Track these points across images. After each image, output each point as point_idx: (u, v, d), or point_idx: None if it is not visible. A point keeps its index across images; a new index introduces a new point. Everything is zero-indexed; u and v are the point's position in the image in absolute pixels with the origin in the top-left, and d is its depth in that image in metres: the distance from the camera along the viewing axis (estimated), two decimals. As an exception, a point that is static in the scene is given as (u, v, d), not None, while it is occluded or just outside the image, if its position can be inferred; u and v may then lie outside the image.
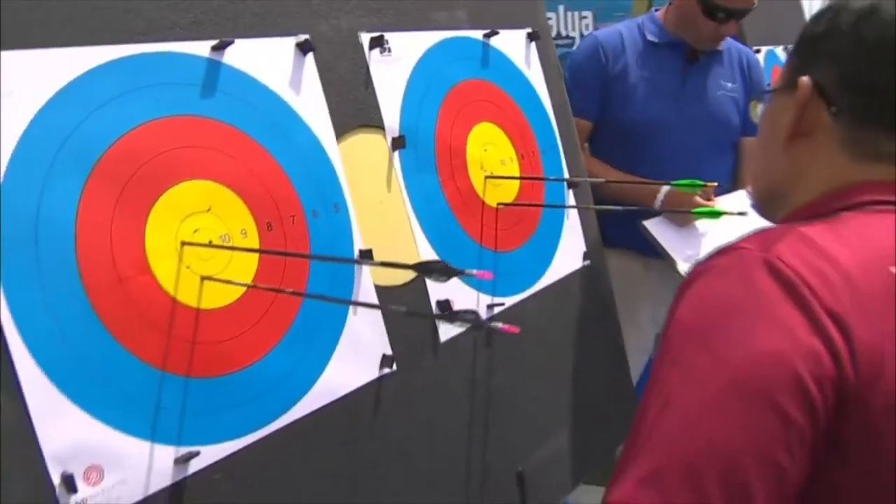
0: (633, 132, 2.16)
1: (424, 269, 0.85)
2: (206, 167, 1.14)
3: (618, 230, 1.98)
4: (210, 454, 1.09)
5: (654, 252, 2.07)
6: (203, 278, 1.11)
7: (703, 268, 0.81)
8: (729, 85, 2.19)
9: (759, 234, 0.83)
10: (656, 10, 2.25)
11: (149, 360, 1.05)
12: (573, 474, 1.73)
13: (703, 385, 0.73)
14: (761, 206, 1.00)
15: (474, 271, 0.81)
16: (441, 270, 0.83)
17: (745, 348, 0.73)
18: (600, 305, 1.88)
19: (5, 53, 0.96)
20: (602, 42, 2.20)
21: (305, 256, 1.22)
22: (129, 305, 1.03)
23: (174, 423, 1.06)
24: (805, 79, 0.88)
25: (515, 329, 0.80)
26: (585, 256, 1.83)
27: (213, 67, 1.17)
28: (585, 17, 4.36)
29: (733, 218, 1.99)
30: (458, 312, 0.84)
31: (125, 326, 1.03)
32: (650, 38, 2.19)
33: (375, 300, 1.34)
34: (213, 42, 1.17)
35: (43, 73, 0.99)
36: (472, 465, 1.50)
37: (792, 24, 4.08)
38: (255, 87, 1.22)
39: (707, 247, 2.03)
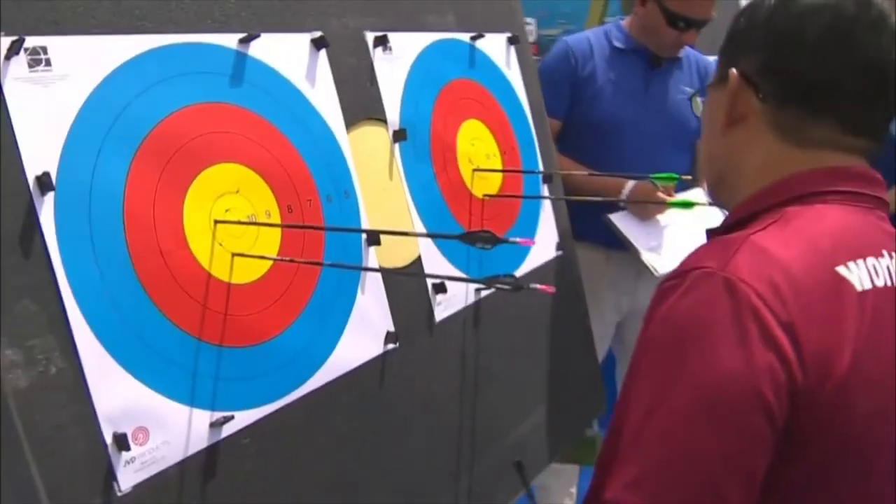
0: (600, 130, 2.27)
1: (470, 238, 0.92)
2: (235, 151, 1.19)
3: (583, 224, 2.07)
4: (241, 419, 1.14)
5: (616, 244, 2.18)
6: (234, 255, 1.16)
7: (669, 285, 0.87)
8: (688, 89, 2.32)
9: (718, 247, 0.89)
10: (621, 20, 2.37)
11: (187, 329, 1.09)
12: (549, 450, 1.81)
13: (676, 400, 0.81)
14: (714, 195, 1.07)
15: (518, 239, 0.88)
16: (487, 239, 0.89)
17: (710, 367, 0.80)
18: (571, 292, 1.98)
19: (60, 39, 1.00)
20: (572, 47, 2.31)
21: (332, 229, 1.28)
22: (170, 277, 1.08)
23: (209, 388, 1.11)
24: (733, 70, 0.97)
25: (551, 289, 0.88)
26: (558, 246, 1.92)
27: (241, 59, 1.22)
28: (529, 24, 4.47)
29: (690, 211, 2.13)
30: (498, 277, 0.90)
31: (166, 296, 1.07)
32: (616, 44, 2.31)
33: (381, 282, 1.41)
34: (241, 35, 1.22)
35: (94, 57, 1.04)
36: (464, 435, 1.57)
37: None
38: (277, 78, 1.27)
39: (668, 237, 2.14)
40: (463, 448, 1.57)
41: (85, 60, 1.02)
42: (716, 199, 1.07)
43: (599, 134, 2.27)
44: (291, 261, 1.21)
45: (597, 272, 2.29)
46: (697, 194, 2.18)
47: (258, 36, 1.23)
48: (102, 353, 1.00)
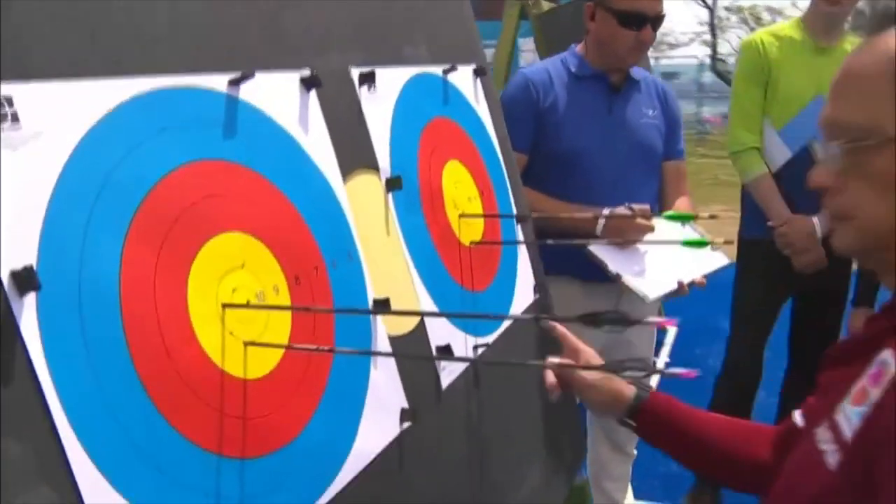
0: (567, 160, 2.12)
1: (593, 321, 0.71)
2: (237, 218, 0.94)
3: (555, 258, 1.90)
4: (273, 545, 0.89)
5: (591, 276, 2.02)
6: (247, 344, 0.91)
7: None
8: (650, 112, 2.20)
9: None
10: (576, 46, 2.22)
11: (205, 445, 0.84)
12: (548, 507, 1.62)
13: None
14: (864, 254, 0.89)
15: (656, 319, 0.69)
16: (616, 321, 0.70)
17: None
18: (549, 337, 1.80)
19: (29, 87, 0.73)
20: (531, 78, 2.15)
21: (362, 312, 1.07)
22: (180, 381, 0.82)
23: (236, 515, 0.85)
24: None
25: (693, 373, 0.69)
26: (535, 290, 1.74)
27: (232, 104, 0.97)
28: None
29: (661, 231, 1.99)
30: (626, 362, 0.71)
31: (178, 407, 0.81)
32: (574, 70, 2.16)
33: (388, 349, 1.18)
34: (232, 75, 0.97)
35: (71, 109, 0.77)
36: (477, 512, 1.36)
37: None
38: (271, 126, 1.03)
39: (649, 262, 1.99)
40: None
41: (60, 113, 0.76)
42: (863, 258, 0.90)
43: (566, 164, 2.11)
44: (318, 349, 0.97)
45: (574, 306, 2.11)
46: (688, 232, 2.02)
47: (252, 76, 0.99)
48: (103, 484, 0.73)
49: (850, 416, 0.79)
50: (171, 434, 0.80)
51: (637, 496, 2.76)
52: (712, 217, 1.31)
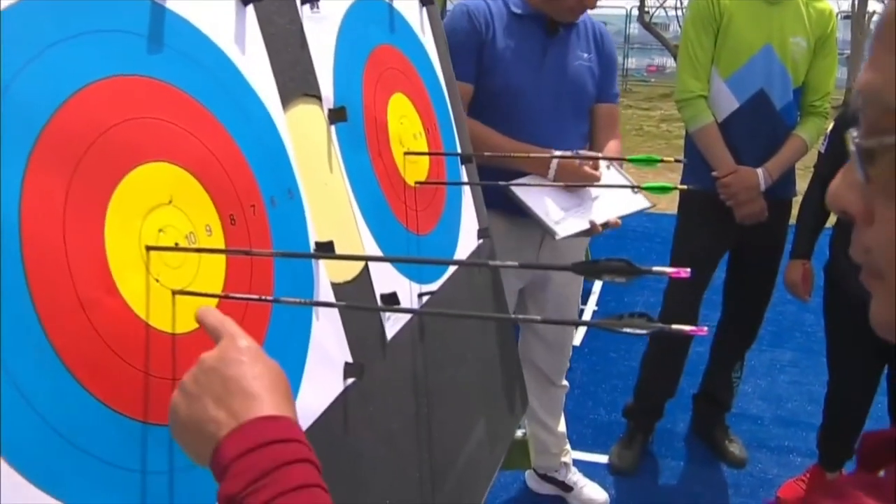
0: (502, 99, 2.07)
1: (594, 271, 0.62)
2: (163, 146, 0.81)
3: (484, 193, 1.84)
4: (208, 521, 0.78)
5: (519, 212, 1.98)
6: (175, 292, 0.79)
7: None
8: (585, 56, 2.14)
9: None
10: None
11: (128, 411, 0.72)
12: (492, 464, 1.56)
13: None
14: (874, 283, 0.53)
15: (668, 269, 0.60)
16: (619, 270, 0.60)
17: None
18: (492, 283, 1.72)
19: None
20: (472, 9, 2.06)
21: (322, 256, 0.93)
22: (99, 340, 0.70)
23: (164, 488, 0.75)
24: None
25: (703, 330, 0.61)
26: (479, 234, 1.65)
27: (158, 13, 0.83)
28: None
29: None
30: (627, 316, 0.62)
31: (95, 368, 0.69)
32: (514, 9, 2.07)
33: (332, 298, 1.07)
34: (156, -20, 0.83)
35: (-44, 6, 0.63)
36: (423, 466, 1.28)
37: None
38: (203, 42, 0.90)
39: (571, 202, 1.97)
40: (424, 482, 1.28)
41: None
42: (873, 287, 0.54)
43: (500, 102, 2.07)
44: (260, 299, 0.85)
45: (500, 240, 2.08)
46: (612, 173, 2.01)
47: (180, -18, 0.85)
48: (17, 479, 0.61)
49: None
50: (87, 400, 0.68)
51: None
52: (678, 161, 1.25)
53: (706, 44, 2.54)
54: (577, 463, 2.79)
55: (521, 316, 1.15)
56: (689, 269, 0.60)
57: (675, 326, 0.62)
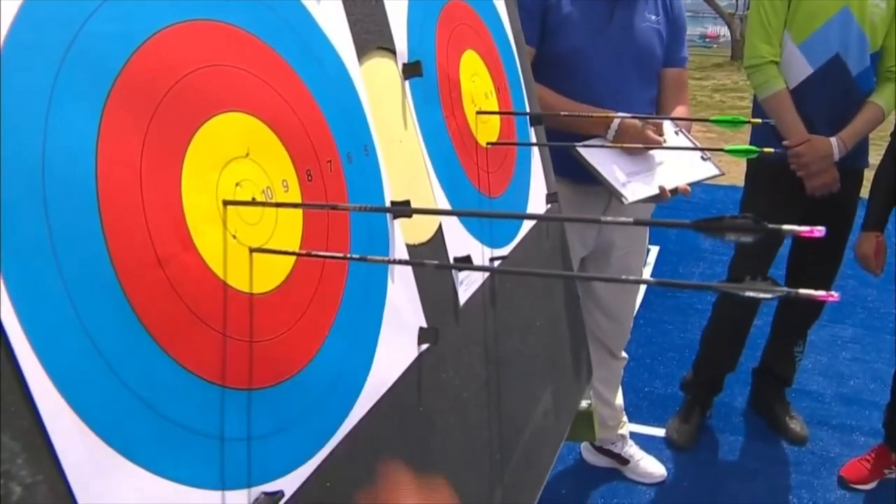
0: (566, 61, 1.99)
1: (718, 228, 0.55)
2: (241, 95, 0.75)
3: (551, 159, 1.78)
4: (288, 488, 0.74)
5: (582, 178, 1.91)
6: (253, 250, 0.74)
7: None
8: (653, 17, 2.05)
9: None
10: None
11: (206, 375, 0.67)
12: (558, 435, 1.51)
13: None
14: None
15: (800, 228, 0.53)
16: (745, 228, 0.53)
17: None
18: (561, 249, 1.65)
19: None
20: None
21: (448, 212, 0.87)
22: (177, 299, 0.65)
23: (243, 456, 0.70)
24: None
25: (835, 296, 0.54)
26: (548, 199, 1.58)
27: (232, -45, 0.78)
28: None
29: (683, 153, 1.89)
30: (750, 283, 0.55)
31: (173, 329, 0.65)
32: None
33: (407, 258, 1.02)
34: (232, -82, 0.77)
35: (29, -64, 0.57)
36: (493, 436, 1.23)
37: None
38: (279, -13, 0.84)
39: (639, 167, 1.89)
40: (493, 451, 1.23)
41: (14, -60, 0.56)
42: None
43: (566, 64, 1.99)
44: (345, 257, 0.80)
45: (564, 207, 2.02)
46: (669, 129, 1.92)
47: (257, -79, 0.79)
48: (91, 438, 0.57)
49: None
50: (165, 361, 0.64)
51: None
52: (765, 122, 1.16)
53: (779, 7, 2.41)
54: (633, 436, 2.72)
55: (618, 277, 1.08)
56: (822, 228, 0.53)
57: (802, 291, 0.54)
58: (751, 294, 0.53)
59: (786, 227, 0.53)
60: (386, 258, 0.93)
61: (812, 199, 2.48)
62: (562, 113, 1.54)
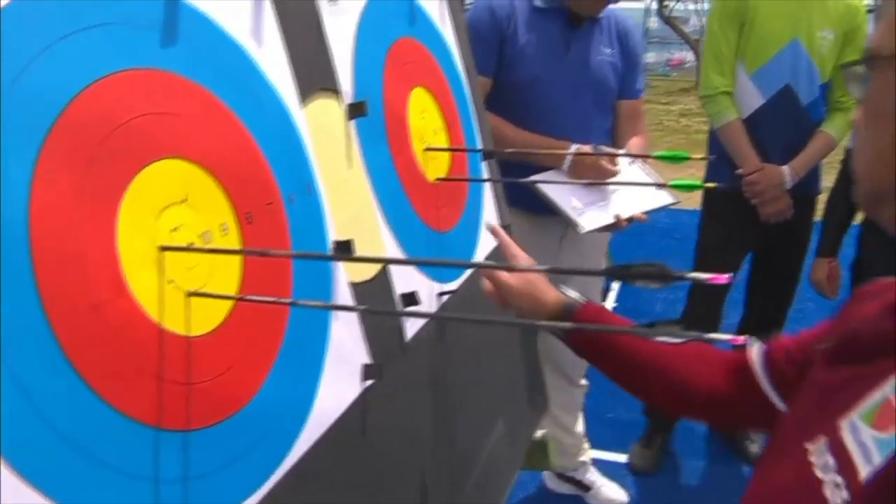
0: (523, 91, 2.05)
1: (629, 275, 0.58)
2: (178, 141, 0.78)
3: (505, 191, 1.81)
4: (223, 530, 0.76)
5: (538, 209, 1.95)
6: (190, 294, 0.77)
7: None
8: (608, 51, 2.11)
9: None
10: None
11: (141, 417, 0.69)
12: (513, 464, 1.53)
13: None
14: (873, 208, 0.71)
15: (704, 276, 0.56)
16: (654, 275, 0.56)
17: None
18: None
19: None
20: (494, 4, 2.05)
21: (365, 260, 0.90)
22: (110, 342, 0.67)
23: (178, 497, 0.72)
24: None
25: (740, 339, 0.58)
26: (501, 231, 1.61)
27: (172, 4, 0.80)
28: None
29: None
30: (660, 326, 0.59)
31: (106, 372, 0.67)
32: (536, 3, 2.05)
33: (352, 300, 1.04)
34: (171, -30, 0.80)
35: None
36: (443, 467, 1.25)
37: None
38: (219, 34, 0.87)
39: (594, 195, 1.93)
40: (445, 481, 1.25)
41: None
42: (877, 215, 0.71)
43: (522, 95, 2.05)
44: (278, 302, 0.83)
45: (520, 239, 2.05)
46: (635, 170, 1.97)
47: (196, -28, 0.82)
48: (24, 486, 0.59)
49: (867, 443, 0.61)
50: (98, 405, 0.65)
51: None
52: (704, 159, 1.21)
53: (731, 39, 2.49)
54: (596, 462, 2.75)
55: (542, 322, 1.12)
56: (727, 275, 0.56)
57: (712, 336, 0.58)
58: (661, 339, 0.57)
59: (690, 274, 0.57)
60: (321, 303, 0.95)
61: (767, 225, 2.55)
62: (506, 150, 1.58)
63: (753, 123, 2.51)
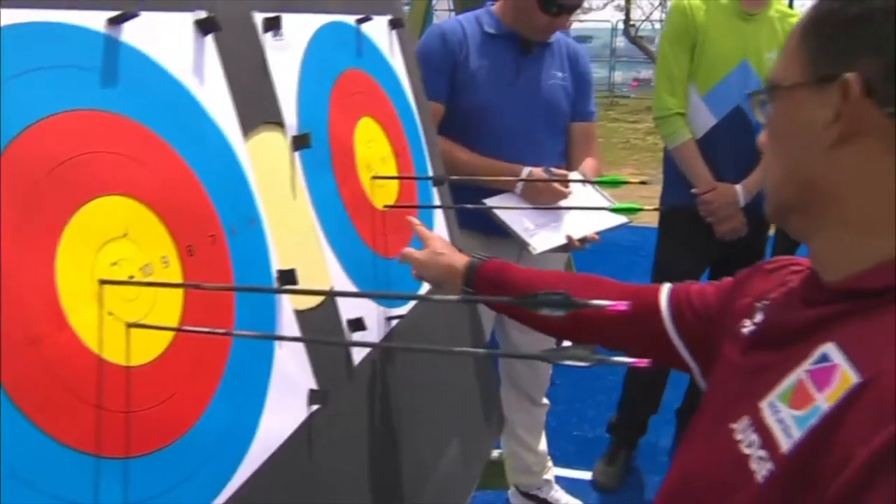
0: (476, 116, 2.10)
1: (534, 303, 0.63)
2: (118, 178, 0.82)
3: (458, 212, 1.86)
4: (163, 554, 0.79)
5: (494, 230, 1.98)
6: (130, 325, 0.80)
7: None
8: (559, 74, 2.17)
9: None
10: (492, 4, 2.16)
11: (80, 446, 0.73)
12: (467, 483, 1.57)
13: None
14: (782, 219, 0.81)
15: (605, 303, 0.61)
16: (557, 303, 0.61)
17: None
18: (466, 305, 1.73)
19: None
20: (446, 31, 2.11)
21: (287, 291, 0.95)
22: (48, 373, 0.71)
23: (117, 523, 0.75)
24: (851, 75, 0.69)
25: (646, 362, 0.62)
26: (453, 255, 1.66)
27: (112, 46, 0.85)
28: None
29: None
30: (568, 350, 0.63)
31: (45, 403, 0.70)
32: (488, 29, 2.11)
33: (297, 328, 1.08)
34: (111, 13, 0.84)
35: None
36: (395, 488, 1.29)
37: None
38: (160, 73, 0.91)
39: (547, 217, 1.97)
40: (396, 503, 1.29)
41: None
42: (781, 222, 0.81)
43: (475, 120, 2.10)
44: (212, 332, 0.86)
45: None
46: (588, 192, 2.02)
47: (136, 15, 0.86)
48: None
49: (786, 420, 0.69)
50: (38, 437, 0.69)
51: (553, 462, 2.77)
52: (643, 182, 1.26)
53: (682, 60, 2.57)
54: (561, 480, 2.79)
55: (459, 349, 1.17)
56: (627, 303, 0.61)
57: (615, 359, 0.63)
58: (569, 363, 0.61)
59: (594, 301, 0.62)
60: (260, 333, 0.99)
61: (723, 242, 2.62)
62: (453, 177, 1.63)
63: (707, 143, 2.58)
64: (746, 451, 0.73)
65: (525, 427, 2.53)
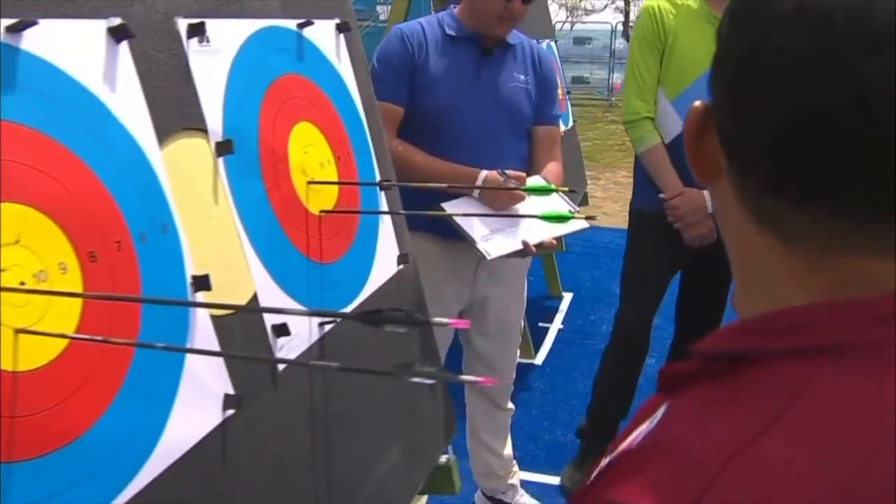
0: (435, 119, 2.12)
1: (375, 321, 0.64)
2: (13, 187, 0.83)
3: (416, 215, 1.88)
4: (45, 558, 0.81)
5: (453, 234, 2.00)
6: (18, 331, 0.82)
7: None
8: (521, 77, 2.19)
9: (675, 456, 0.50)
10: (454, 7, 2.18)
11: (-44, 450, 0.74)
12: (408, 489, 1.58)
13: None
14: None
15: (447, 321, 0.63)
16: (401, 320, 0.63)
17: None
18: (414, 307, 1.75)
19: None
20: (406, 33, 2.14)
21: (158, 301, 0.96)
22: (-77, 380, 0.72)
23: (-4, 527, 0.77)
24: (696, 103, 0.60)
25: (492, 381, 0.64)
26: (399, 260, 1.68)
27: (11, 54, 0.86)
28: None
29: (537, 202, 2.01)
30: (414, 369, 0.65)
31: (-81, 409, 0.72)
32: (448, 31, 2.15)
33: (213, 333, 1.10)
34: (9, 21, 0.86)
35: None
36: (321, 496, 1.30)
37: (539, 19, 4.17)
38: (64, 81, 0.93)
39: (503, 223, 1.98)
40: (319, 513, 1.30)
41: None
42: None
43: (435, 123, 2.12)
44: (105, 341, 0.88)
45: (435, 263, 2.14)
46: (538, 180, 2.05)
47: (35, 23, 0.88)
48: None
49: None
50: None
51: (521, 466, 2.78)
52: (572, 191, 1.27)
53: (651, 65, 2.59)
54: (529, 484, 2.81)
55: (315, 362, 1.19)
56: (469, 322, 0.62)
57: (464, 378, 0.64)
58: (417, 380, 0.63)
59: (435, 319, 0.63)
60: (161, 345, 0.99)
61: (692, 249, 2.63)
62: (397, 183, 1.64)
63: (675, 148, 2.60)
64: None
65: (489, 431, 2.55)
